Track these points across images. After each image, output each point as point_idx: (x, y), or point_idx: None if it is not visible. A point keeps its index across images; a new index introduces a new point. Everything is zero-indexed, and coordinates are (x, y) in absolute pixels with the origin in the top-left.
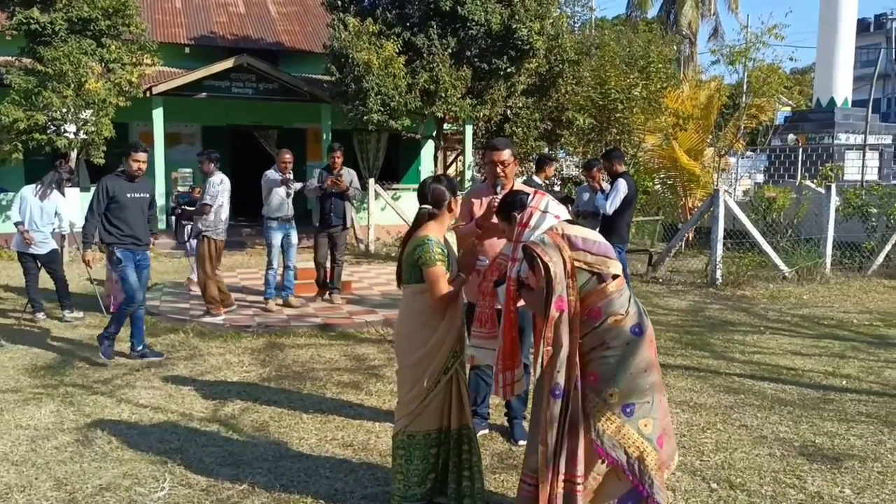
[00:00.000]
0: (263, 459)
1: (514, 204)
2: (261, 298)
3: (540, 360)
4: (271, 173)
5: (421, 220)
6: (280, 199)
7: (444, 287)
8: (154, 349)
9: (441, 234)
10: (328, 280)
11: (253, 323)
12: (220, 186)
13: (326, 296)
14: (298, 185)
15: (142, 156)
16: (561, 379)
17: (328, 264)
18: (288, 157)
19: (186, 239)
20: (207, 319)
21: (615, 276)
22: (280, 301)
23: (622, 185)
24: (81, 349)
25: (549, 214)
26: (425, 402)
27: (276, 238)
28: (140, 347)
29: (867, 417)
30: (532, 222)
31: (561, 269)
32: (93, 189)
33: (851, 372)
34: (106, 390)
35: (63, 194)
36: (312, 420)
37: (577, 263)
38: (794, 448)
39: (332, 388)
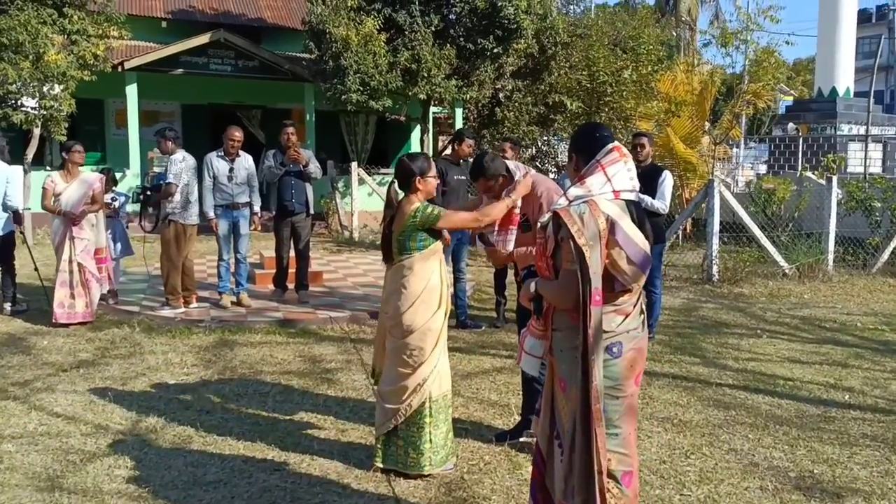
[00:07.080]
0: (173, 486)
1: (584, 143)
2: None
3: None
4: (212, 157)
5: (393, 195)
6: (222, 187)
7: (460, 216)
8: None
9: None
10: (297, 280)
11: (207, 317)
12: (182, 164)
13: (294, 293)
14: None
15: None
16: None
17: (291, 253)
18: (238, 134)
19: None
20: (165, 312)
21: (626, 291)
22: (233, 299)
23: (670, 178)
24: (13, 344)
25: (609, 185)
26: (442, 360)
27: (223, 227)
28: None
29: (872, 441)
30: (588, 182)
31: (597, 257)
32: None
33: (855, 384)
34: (21, 395)
35: (7, 162)
36: (243, 436)
37: (606, 260)
38: (789, 479)
39: (276, 397)
